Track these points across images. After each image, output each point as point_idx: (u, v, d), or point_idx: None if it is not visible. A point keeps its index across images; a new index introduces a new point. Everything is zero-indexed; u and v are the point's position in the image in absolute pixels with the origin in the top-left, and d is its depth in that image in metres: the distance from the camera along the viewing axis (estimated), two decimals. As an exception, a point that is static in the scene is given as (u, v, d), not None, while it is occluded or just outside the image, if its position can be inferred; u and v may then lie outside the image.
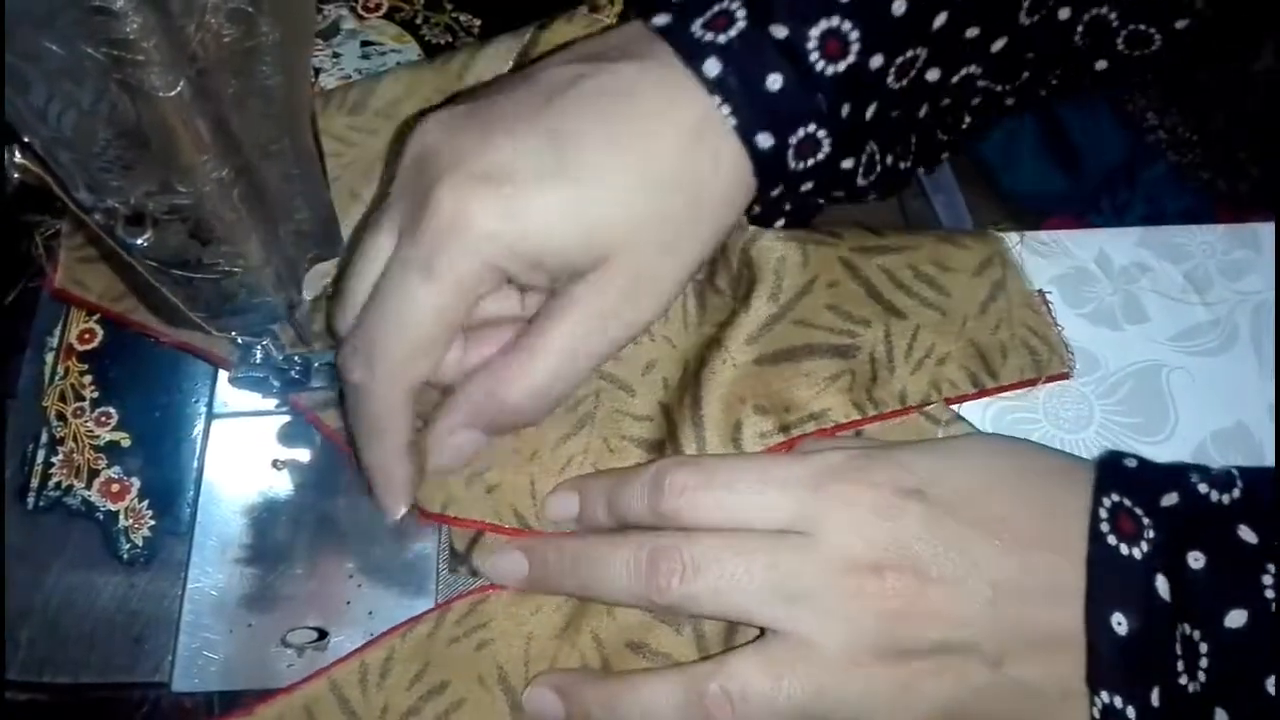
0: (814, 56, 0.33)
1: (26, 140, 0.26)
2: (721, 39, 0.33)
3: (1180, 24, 0.40)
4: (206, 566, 0.37)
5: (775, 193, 0.36)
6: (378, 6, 0.50)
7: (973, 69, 0.38)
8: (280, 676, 0.35)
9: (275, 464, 0.39)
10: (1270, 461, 0.38)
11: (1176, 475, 0.32)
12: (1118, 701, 0.29)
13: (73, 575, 0.37)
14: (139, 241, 0.28)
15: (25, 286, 0.42)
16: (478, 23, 0.50)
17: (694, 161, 0.33)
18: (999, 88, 0.40)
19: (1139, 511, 0.30)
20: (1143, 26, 0.40)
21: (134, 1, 0.22)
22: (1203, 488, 0.31)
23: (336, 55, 0.48)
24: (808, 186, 0.37)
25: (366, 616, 0.36)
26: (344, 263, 0.36)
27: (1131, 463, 0.32)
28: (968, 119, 0.41)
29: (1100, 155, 0.66)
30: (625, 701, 0.32)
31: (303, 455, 0.40)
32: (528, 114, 0.32)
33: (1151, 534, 0.30)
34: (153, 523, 0.38)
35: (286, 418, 0.40)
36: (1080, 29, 0.40)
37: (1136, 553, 0.30)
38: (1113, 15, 0.40)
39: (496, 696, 0.34)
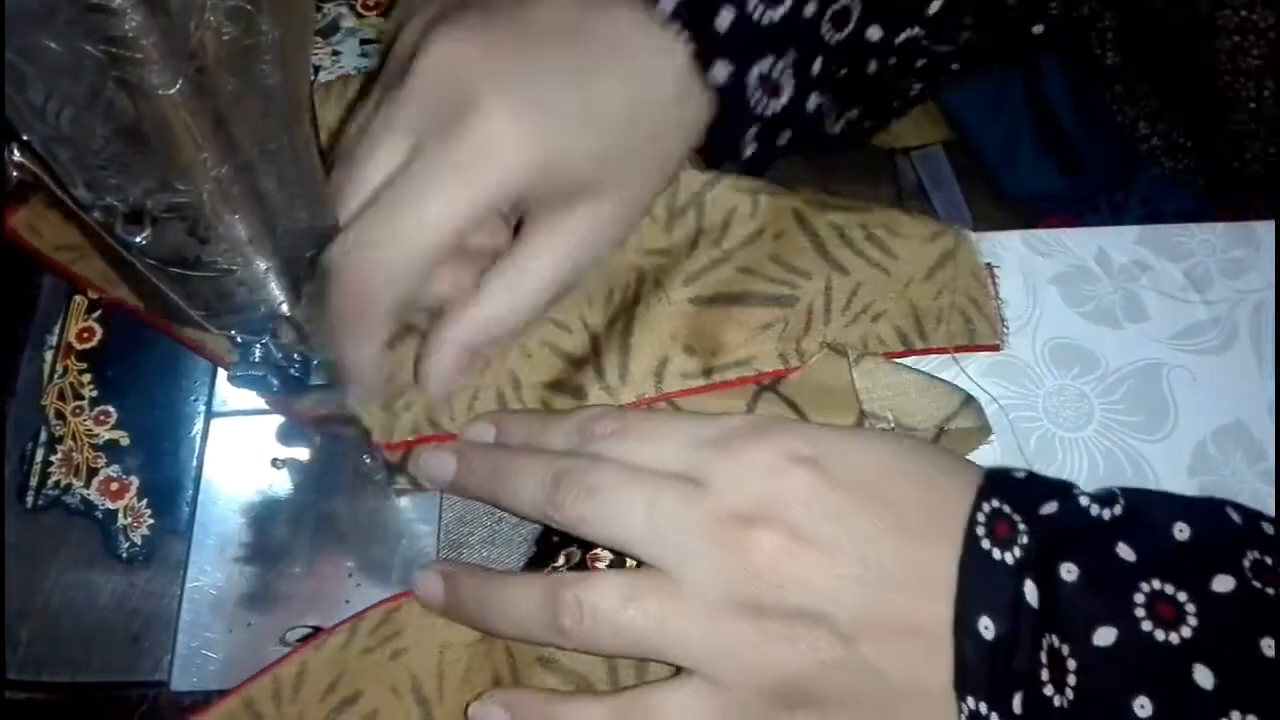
0: (751, 4, 0.35)
1: (25, 138, 0.25)
2: None
3: None
4: (205, 565, 0.37)
5: (751, 133, 0.38)
6: (377, 4, 0.50)
7: (915, 31, 0.39)
8: (279, 675, 0.35)
9: (275, 463, 0.39)
10: (1271, 460, 0.38)
11: (1060, 487, 0.32)
12: (983, 708, 0.29)
13: (72, 574, 0.37)
14: (138, 240, 0.28)
15: (24, 284, 0.42)
16: (477, 21, 0.50)
17: (670, 100, 0.36)
18: (942, 49, 0.42)
19: (1016, 518, 0.30)
20: None
21: (132, -1, 0.22)
22: (1084, 500, 0.31)
23: (336, 53, 0.48)
24: (786, 137, 0.39)
25: (366, 615, 0.36)
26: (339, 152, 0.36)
27: (1020, 474, 0.32)
28: (916, 83, 0.43)
29: (1099, 157, 0.66)
30: (493, 603, 0.33)
31: (302, 454, 0.40)
32: (544, 51, 0.34)
33: (1025, 539, 0.30)
34: (152, 521, 0.38)
35: (286, 416, 0.40)
36: None
37: (1009, 557, 0.29)
38: None
39: (410, 706, 0.34)
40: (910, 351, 0.39)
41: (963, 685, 0.29)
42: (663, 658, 0.31)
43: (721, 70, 0.36)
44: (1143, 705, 0.27)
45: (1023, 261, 0.42)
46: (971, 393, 0.39)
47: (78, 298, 0.42)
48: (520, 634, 0.33)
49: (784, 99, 0.37)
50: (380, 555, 0.38)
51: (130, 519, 0.38)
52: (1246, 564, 0.28)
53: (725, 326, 0.38)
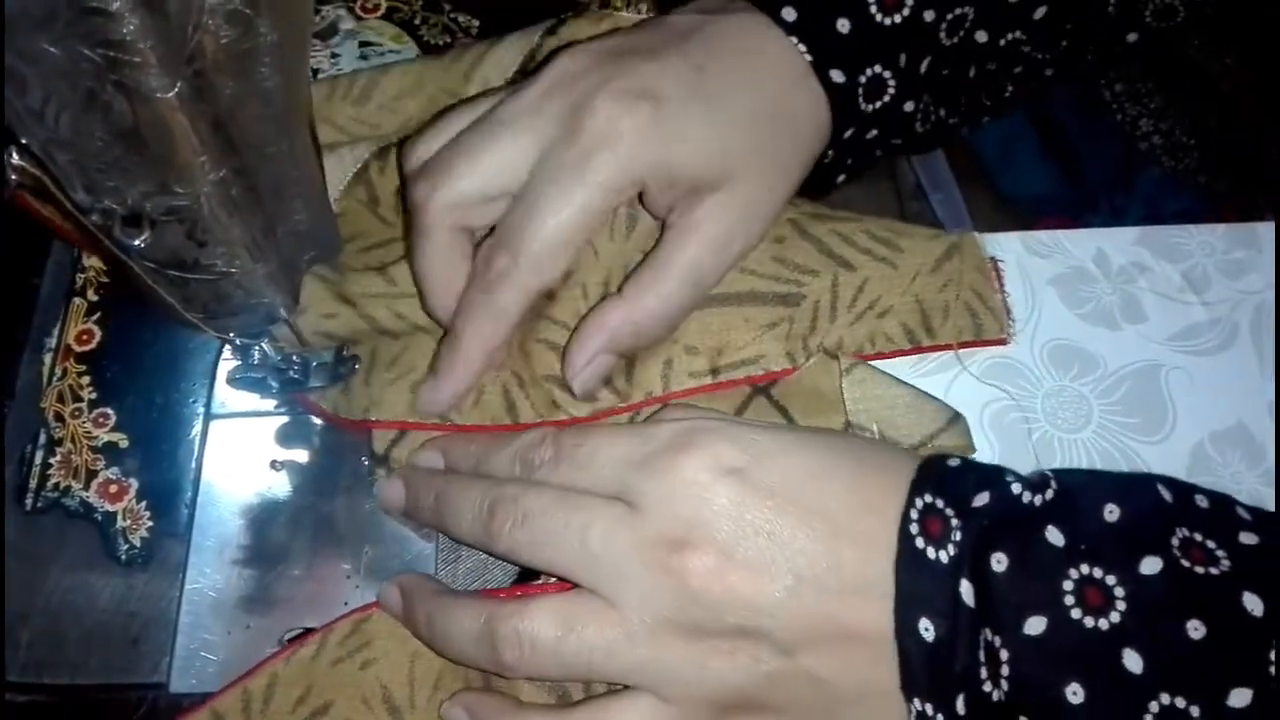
0: (873, 9, 0.37)
1: (24, 141, 0.25)
2: None
3: None
4: (204, 567, 0.37)
5: (847, 134, 0.39)
6: (376, 7, 0.50)
7: (1018, 34, 0.41)
8: (278, 677, 0.35)
9: (274, 465, 0.39)
10: (1270, 461, 0.38)
11: (991, 476, 0.31)
12: (929, 709, 0.29)
13: (71, 576, 0.37)
14: (136, 243, 0.28)
15: (24, 286, 0.42)
16: (476, 23, 0.50)
17: (791, 99, 0.37)
18: (1040, 56, 0.42)
19: (949, 513, 0.30)
20: None
21: (130, 3, 0.22)
22: (1016, 488, 0.30)
23: (335, 56, 0.48)
24: (873, 134, 0.40)
25: (365, 617, 0.36)
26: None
27: (954, 462, 0.32)
28: (1010, 86, 0.44)
29: (1098, 158, 0.66)
30: (439, 619, 0.33)
31: (301, 456, 0.40)
32: (667, 46, 0.36)
33: (958, 536, 0.29)
34: (151, 524, 0.38)
35: (285, 418, 0.40)
36: (1113, 2, 0.41)
37: (943, 556, 0.29)
38: None
39: (381, 717, 0.34)
40: (918, 349, 0.39)
41: (909, 687, 0.29)
42: (610, 680, 0.31)
43: (836, 75, 0.38)
44: (1075, 692, 0.27)
45: (1021, 263, 0.42)
46: (980, 392, 0.39)
47: (77, 300, 0.42)
48: (470, 664, 0.33)
49: (884, 100, 0.39)
50: (379, 557, 0.38)
51: (129, 521, 0.38)
52: (1175, 543, 0.28)
53: (731, 325, 0.38)
